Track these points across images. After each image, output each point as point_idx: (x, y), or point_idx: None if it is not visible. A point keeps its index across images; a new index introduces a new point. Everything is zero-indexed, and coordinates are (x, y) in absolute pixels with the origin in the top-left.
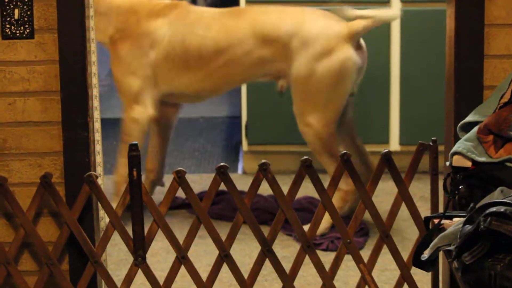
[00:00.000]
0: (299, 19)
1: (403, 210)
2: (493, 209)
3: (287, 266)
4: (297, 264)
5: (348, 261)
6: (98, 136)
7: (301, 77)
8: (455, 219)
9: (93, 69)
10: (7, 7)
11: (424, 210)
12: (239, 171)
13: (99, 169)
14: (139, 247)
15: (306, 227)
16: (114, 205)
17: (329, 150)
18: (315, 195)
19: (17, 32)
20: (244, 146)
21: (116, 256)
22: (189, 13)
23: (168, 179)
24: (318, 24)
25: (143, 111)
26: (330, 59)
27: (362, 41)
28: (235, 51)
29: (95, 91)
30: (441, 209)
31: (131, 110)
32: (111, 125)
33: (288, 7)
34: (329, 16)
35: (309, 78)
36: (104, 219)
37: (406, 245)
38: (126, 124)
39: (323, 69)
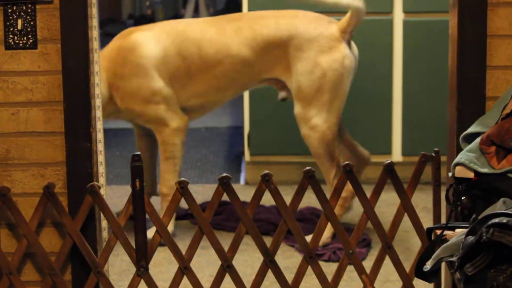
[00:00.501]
0: (294, 23)
1: (406, 221)
2: (496, 220)
3: (289, 276)
4: (300, 274)
5: (350, 272)
6: (100, 146)
7: (302, 80)
8: (457, 230)
9: (96, 79)
10: (10, 18)
11: (427, 221)
12: (242, 181)
13: (102, 180)
14: (141, 257)
15: (308, 238)
16: (167, 221)
17: (331, 153)
18: (318, 205)
19: (20, 42)
20: (247, 156)
21: (119, 267)
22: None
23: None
24: (313, 26)
25: (180, 118)
26: (330, 59)
27: (352, 41)
28: (233, 59)
29: (97, 101)
30: (443, 220)
31: (167, 126)
32: (114, 136)
33: (282, 11)
34: (321, 17)
35: (310, 80)
36: (106, 229)
37: (409, 256)
38: (167, 139)
39: (324, 69)
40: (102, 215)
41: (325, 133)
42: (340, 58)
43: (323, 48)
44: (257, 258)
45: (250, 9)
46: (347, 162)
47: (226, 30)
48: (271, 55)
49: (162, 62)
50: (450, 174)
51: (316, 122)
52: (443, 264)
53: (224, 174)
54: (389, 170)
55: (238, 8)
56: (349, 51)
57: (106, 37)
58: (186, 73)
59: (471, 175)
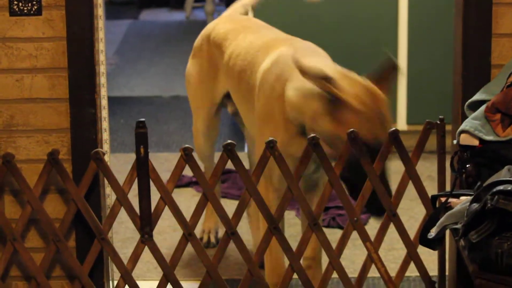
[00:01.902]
0: None
1: (410, 189)
2: (500, 187)
3: (293, 244)
4: (304, 242)
5: (354, 240)
6: (105, 113)
7: None
8: (462, 198)
9: (101, 46)
10: None
11: (431, 189)
12: (246, 149)
13: (106, 146)
14: (145, 224)
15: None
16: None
17: None
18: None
19: (25, 8)
20: None
21: (123, 234)
22: None
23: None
24: None
25: None
26: None
27: None
28: None
29: (102, 68)
30: (448, 188)
31: None
32: (118, 104)
33: None
34: None
35: None
36: (110, 196)
37: (413, 224)
38: None
39: None
40: (106, 181)
41: None
42: None
43: None
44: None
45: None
46: (352, 129)
47: None
48: None
49: None
50: (455, 141)
51: None
52: (447, 232)
53: (229, 141)
54: (394, 138)
55: None
56: None
57: (111, 6)
58: None
59: (476, 142)
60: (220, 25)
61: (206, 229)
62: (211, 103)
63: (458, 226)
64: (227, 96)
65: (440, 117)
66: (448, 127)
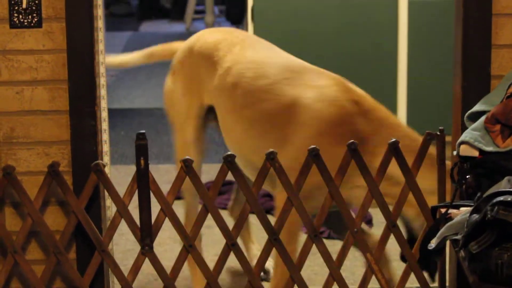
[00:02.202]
0: None
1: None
2: (500, 198)
3: (294, 255)
4: (304, 253)
5: (355, 251)
6: (105, 125)
7: None
8: (462, 209)
9: (101, 58)
10: None
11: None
12: None
13: (106, 158)
14: (146, 235)
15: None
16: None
17: None
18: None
19: (25, 21)
20: None
21: (124, 246)
22: None
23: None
24: None
25: None
26: None
27: None
28: None
29: (102, 80)
30: (448, 199)
31: None
32: (118, 116)
33: None
34: None
35: None
36: (111, 208)
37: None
38: None
39: None
40: (106, 193)
41: None
42: None
43: None
44: (262, 237)
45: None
46: (352, 141)
47: None
48: None
49: None
50: (455, 152)
51: None
52: (447, 242)
53: (229, 153)
54: (394, 149)
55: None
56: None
57: (111, 18)
58: None
59: (476, 153)
60: (206, 35)
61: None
62: (198, 115)
63: (458, 237)
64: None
65: (440, 128)
66: (448, 138)
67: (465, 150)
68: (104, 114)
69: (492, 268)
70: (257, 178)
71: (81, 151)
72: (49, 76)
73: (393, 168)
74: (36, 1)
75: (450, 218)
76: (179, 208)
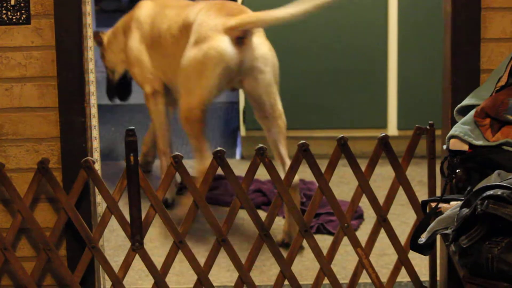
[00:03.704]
0: (193, 10)
1: (401, 194)
2: (490, 192)
3: (284, 251)
4: (295, 248)
5: (345, 246)
6: (95, 121)
7: (181, 65)
8: (452, 203)
9: (90, 54)
10: None
11: (422, 194)
12: (237, 156)
13: (96, 155)
14: (136, 232)
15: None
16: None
17: (194, 134)
18: (313, 179)
19: (14, 17)
20: (242, 131)
21: (114, 242)
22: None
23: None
24: (200, 16)
25: (151, 84)
26: (198, 48)
27: (254, 40)
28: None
29: (91, 76)
30: (438, 193)
31: (144, 90)
32: (108, 111)
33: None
34: (223, 9)
35: (182, 66)
36: (101, 204)
37: (404, 229)
38: (145, 102)
39: (189, 57)
40: (96, 190)
41: (185, 115)
42: (207, 48)
43: (199, 37)
44: (253, 232)
45: None
46: (341, 135)
47: (170, 13)
48: (183, 40)
49: (143, 26)
50: (444, 146)
51: (180, 103)
52: (438, 237)
53: (218, 148)
54: (384, 143)
55: None
56: (224, 45)
57: (102, 14)
58: (150, 44)
59: (465, 147)
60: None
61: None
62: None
63: (449, 231)
64: None
65: (430, 122)
66: (438, 132)
67: (455, 144)
68: (94, 111)
69: (482, 262)
70: (247, 173)
71: (71, 148)
72: (38, 72)
73: None
74: None
75: (440, 212)
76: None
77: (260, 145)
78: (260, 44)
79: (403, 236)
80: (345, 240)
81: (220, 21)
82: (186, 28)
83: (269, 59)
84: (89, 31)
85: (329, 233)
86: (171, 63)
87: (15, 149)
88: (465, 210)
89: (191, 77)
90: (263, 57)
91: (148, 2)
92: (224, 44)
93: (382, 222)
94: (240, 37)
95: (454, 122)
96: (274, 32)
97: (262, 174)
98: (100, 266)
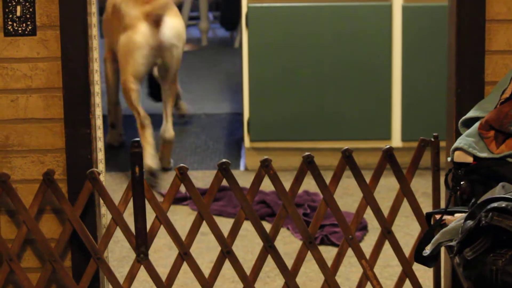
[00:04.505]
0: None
1: (405, 206)
2: (495, 204)
3: (289, 262)
4: (299, 260)
5: (350, 257)
6: (100, 133)
7: (117, 47)
8: (456, 215)
9: (95, 66)
10: (9, 4)
11: (426, 206)
12: (241, 167)
13: (101, 166)
14: (141, 243)
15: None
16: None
17: (129, 102)
18: (317, 190)
19: (19, 29)
20: (246, 142)
21: (119, 253)
22: None
23: (170, 175)
24: (123, 6)
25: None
26: (126, 35)
27: (168, 20)
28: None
29: (97, 88)
30: (442, 205)
31: None
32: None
33: None
34: None
35: (118, 47)
36: (106, 215)
37: (408, 241)
38: None
39: (121, 41)
40: (101, 201)
41: (123, 87)
42: (130, 34)
43: (125, 26)
44: (257, 244)
45: None
46: (346, 147)
47: None
48: (115, 20)
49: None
50: (449, 159)
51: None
52: (442, 249)
53: (223, 160)
54: (388, 155)
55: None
56: (143, 30)
57: None
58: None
59: (470, 159)
60: None
61: None
62: None
63: (453, 243)
64: None
65: (434, 134)
66: (443, 144)
67: (459, 156)
68: (99, 122)
69: (486, 275)
70: (252, 185)
71: (76, 159)
72: (43, 84)
73: None
74: (31, 9)
75: (445, 224)
76: (174, 215)
77: (265, 157)
78: (174, 23)
79: (407, 247)
80: (350, 252)
81: (138, 10)
82: (115, 12)
83: (181, 35)
84: (95, 43)
85: (333, 244)
86: (114, 38)
87: (20, 160)
88: (470, 222)
89: (123, 58)
90: (177, 33)
91: None
92: (145, 30)
93: (387, 234)
94: (156, 21)
95: (458, 134)
96: (274, 42)
97: (266, 185)
98: (105, 277)
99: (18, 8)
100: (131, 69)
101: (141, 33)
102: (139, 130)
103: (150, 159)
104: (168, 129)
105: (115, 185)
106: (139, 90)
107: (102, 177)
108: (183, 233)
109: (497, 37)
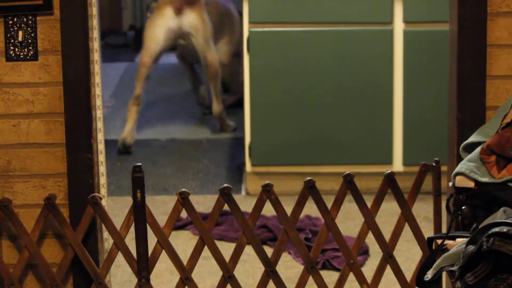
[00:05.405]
0: None
1: (407, 231)
2: (496, 229)
3: (291, 287)
4: (301, 285)
5: (351, 282)
6: (102, 157)
7: None
8: (458, 240)
9: (97, 90)
10: (11, 29)
11: (428, 231)
12: (243, 192)
13: (103, 191)
14: (143, 268)
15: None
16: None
17: (137, 76)
18: (318, 215)
19: (21, 54)
20: (248, 167)
21: (121, 278)
22: None
23: (172, 199)
24: None
25: None
26: (153, 15)
27: (190, 13)
28: None
29: (99, 113)
30: (444, 230)
31: None
32: (114, 146)
33: None
34: None
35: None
36: (108, 240)
37: (410, 265)
38: None
39: (148, 20)
40: (103, 226)
41: (140, 60)
42: (156, 15)
43: (156, 7)
44: (259, 268)
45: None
46: (348, 172)
47: None
48: None
49: None
50: (450, 183)
51: None
52: (444, 274)
53: (225, 185)
54: (390, 180)
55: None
56: (168, 13)
57: (107, 49)
58: None
59: (471, 184)
60: None
61: None
62: None
63: (455, 268)
64: None
65: (435, 159)
66: (444, 169)
67: (460, 181)
68: (101, 147)
69: None
70: (253, 210)
71: (78, 184)
72: (45, 109)
73: None
74: (32, 34)
75: (446, 249)
76: (176, 240)
77: (267, 181)
78: (194, 18)
79: (408, 272)
80: (351, 276)
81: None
82: None
83: (200, 29)
84: (97, 68)
85: (335, 269)
86: None
87: (22, 185)
88: (471, 247)
89: (147, 34)
90: (194, 27)
91: None
92: (167, 13)
93: (388, 258)
94: (179, 9)
95: (460, 159)
96: (276, 66)
97: (267, 209)
98: None
99: (20, 33)
100: (149, 44)
101: (163, 15)
102: (129, 106)
103: (128, 131)
104: (215, 106)
105: (117, 209)
106: (150, 67)
107: (104, 202)
108: (184, 257)
109: (498, 62)
